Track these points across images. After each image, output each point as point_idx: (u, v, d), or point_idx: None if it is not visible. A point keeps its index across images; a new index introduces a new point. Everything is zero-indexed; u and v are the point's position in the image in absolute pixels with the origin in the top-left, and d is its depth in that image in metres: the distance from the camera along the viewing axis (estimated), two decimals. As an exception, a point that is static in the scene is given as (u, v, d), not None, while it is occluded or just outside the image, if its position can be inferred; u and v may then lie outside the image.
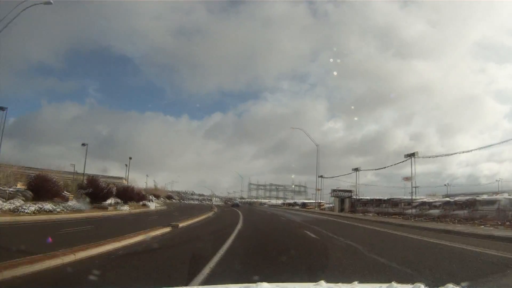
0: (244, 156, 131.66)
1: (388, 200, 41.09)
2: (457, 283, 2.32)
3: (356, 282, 2.33)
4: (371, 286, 2.63)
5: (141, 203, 34.48)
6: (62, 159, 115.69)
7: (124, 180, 56.45)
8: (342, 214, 41.26)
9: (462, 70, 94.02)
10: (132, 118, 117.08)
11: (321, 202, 63.87)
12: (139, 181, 79.28)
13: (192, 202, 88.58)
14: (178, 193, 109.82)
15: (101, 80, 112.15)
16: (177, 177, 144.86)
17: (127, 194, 31.39)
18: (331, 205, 57.86)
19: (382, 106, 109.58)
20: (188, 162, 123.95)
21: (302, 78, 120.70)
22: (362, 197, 47.90)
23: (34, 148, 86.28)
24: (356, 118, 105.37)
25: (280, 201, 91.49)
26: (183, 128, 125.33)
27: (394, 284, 2.17)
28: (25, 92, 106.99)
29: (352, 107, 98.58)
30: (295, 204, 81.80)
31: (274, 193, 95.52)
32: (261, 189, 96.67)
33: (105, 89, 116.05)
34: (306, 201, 77.79)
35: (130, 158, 52.38)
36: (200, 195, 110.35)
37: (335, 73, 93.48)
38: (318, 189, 56.30)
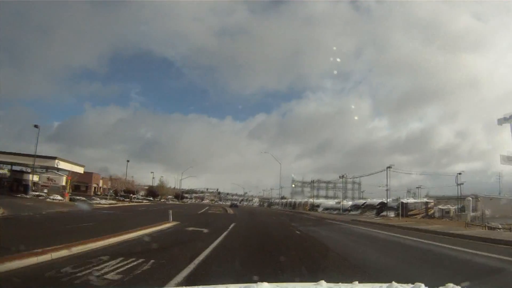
0: (288, 156, 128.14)
1: None
2: (457, 283, 2.21)
3: (356, 282, 2.34)
4: (371, 285, 2.59)
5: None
6: (106, 162, 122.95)
7: (57, 161, 37.64)
8: None
9: (509, 63, 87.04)
10: (176, 120, 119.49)
11: (429, 203, 39.40)
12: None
13: (226, 202, 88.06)
14: (219, 193, 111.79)
15: (143, 84, 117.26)
16: (191, 171, 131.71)
17: None
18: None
19: (427, 103, 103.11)
20: (232, 163, 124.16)
21: (345, 76, 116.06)
22: None
23: (78, 151, 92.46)
24: (400, 116, 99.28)
25: (336, 202, 59.93)
26: (227, 129, 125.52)
27: (394, 283, 2.11)
28: (70, 97, 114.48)
29: (397, 105, 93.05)
30: (372, 206, 45.50)
31: (323, 192, 73.36)
32: (307, 186, 74.75)
33: (148, 92, 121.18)
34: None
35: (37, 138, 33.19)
36: (240, 195, 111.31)
37: (379, 69, 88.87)
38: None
